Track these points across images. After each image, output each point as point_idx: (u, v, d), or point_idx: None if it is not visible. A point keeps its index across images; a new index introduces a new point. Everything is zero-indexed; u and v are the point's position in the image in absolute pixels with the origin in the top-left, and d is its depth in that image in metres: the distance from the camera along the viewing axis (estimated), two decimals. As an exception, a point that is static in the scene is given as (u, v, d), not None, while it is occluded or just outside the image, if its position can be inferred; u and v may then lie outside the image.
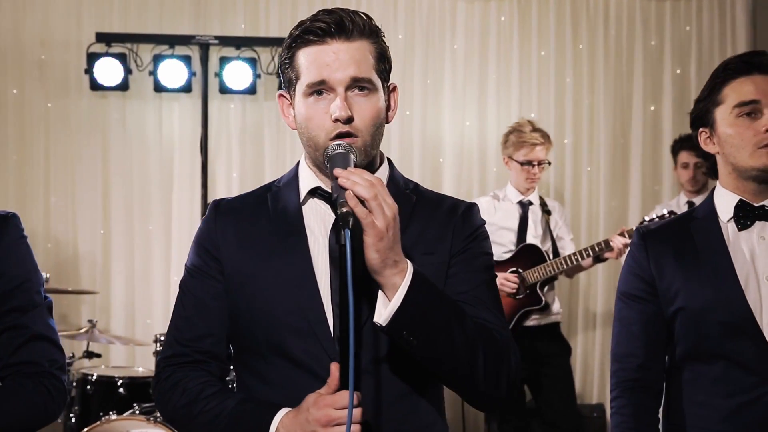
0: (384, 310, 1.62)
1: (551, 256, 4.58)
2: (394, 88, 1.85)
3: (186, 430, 1.79)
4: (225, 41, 5.53)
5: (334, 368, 1.60)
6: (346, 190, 1.58)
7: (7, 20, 5.56)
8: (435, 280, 1.73)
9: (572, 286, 5.85)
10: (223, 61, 5.51)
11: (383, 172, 1.85)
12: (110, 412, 4.24)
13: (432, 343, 1.64)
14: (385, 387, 1.73)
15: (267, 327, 1.73)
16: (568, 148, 5.95)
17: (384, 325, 1.62)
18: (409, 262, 1.64)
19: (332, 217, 1.77)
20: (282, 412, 1.66)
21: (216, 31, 5.63)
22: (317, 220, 1.80)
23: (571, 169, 5.95)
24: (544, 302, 4.48)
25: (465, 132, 5.90)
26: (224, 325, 1.81)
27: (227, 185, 5.70)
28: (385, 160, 1.89)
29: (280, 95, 1.84)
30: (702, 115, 2.25)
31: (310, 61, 1.72)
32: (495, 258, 4.40)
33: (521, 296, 4.47)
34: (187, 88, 5.50)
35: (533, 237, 4.63)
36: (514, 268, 4.51)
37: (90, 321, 4.66)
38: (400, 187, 1.86)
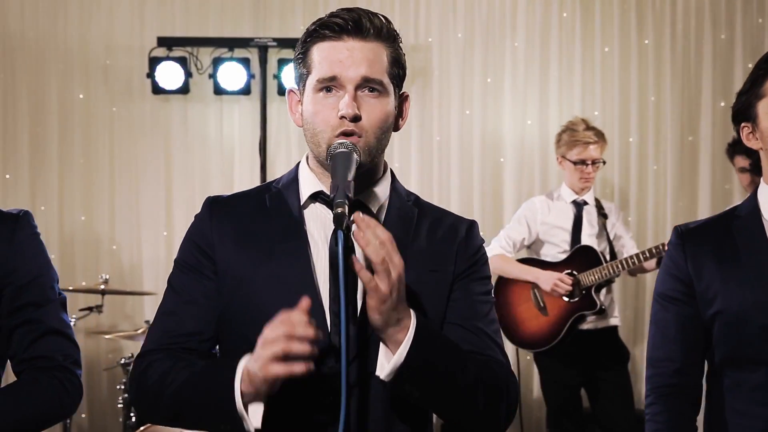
0: (386, 365, 1.60)
1: (608, 258, 4.44)
2: (407, 96, 1.82)
3: (158, 412, 1.70)
4: (283, 43, 5.54)
5: (305, 302, 1.55)
6: (345, 185, 1.56)
7: (74, 27, 5.69)
8: (437, 297, 1.75)
9: (638, 287, 5.69)
10: (282, 62, 5.53)
11: (385, 182, 1.82)
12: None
13: (434, 393, 1.64)
14: (378, 399, 1.70)
15: (262, 330, 1.68)
16: (633, 147, 5.78)
17: (386, 379, 1.60)
18: (413, 315, 1.61)
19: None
20: (247, 356, 1.60)
21: (275, 33, 5.66)
22: (317, 225, 1.76)
23: (636, 169, 5.78)
24: (599, 306, 4.35)
25: (526, 131, 5.79)
26: (212, 325, 1.76)
27: (286, 187, 5.70)
28: (389, 170, 1.85)
29: (290, 91, 1.81)
30: (744, 108, 2.13)
31: (323, 56, 1.69)
32: (549, 258, 4.43)
33: (576, 299, 4.35)
34: (246, 91, 5.54)
35: (588, 236, 4.50)
36: (569, 270, 4.40)
37: (147, 322, 4.72)
38: (402, 198, 1.84)
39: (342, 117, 1.66)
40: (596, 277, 4.34)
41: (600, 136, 4.50)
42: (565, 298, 4.36)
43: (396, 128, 1.78)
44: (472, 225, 1.87)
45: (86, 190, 5.70)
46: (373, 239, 1.52)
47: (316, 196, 1.78)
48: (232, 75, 5.51)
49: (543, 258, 4.51)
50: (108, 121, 5.70)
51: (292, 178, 1.82)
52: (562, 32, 5.80)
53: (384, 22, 1.73)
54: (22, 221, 2.10)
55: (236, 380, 1.57)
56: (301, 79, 1.75)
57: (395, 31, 1.75)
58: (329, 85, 1.68)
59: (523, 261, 4.53)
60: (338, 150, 1.64)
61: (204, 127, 5.75)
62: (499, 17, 5.80)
